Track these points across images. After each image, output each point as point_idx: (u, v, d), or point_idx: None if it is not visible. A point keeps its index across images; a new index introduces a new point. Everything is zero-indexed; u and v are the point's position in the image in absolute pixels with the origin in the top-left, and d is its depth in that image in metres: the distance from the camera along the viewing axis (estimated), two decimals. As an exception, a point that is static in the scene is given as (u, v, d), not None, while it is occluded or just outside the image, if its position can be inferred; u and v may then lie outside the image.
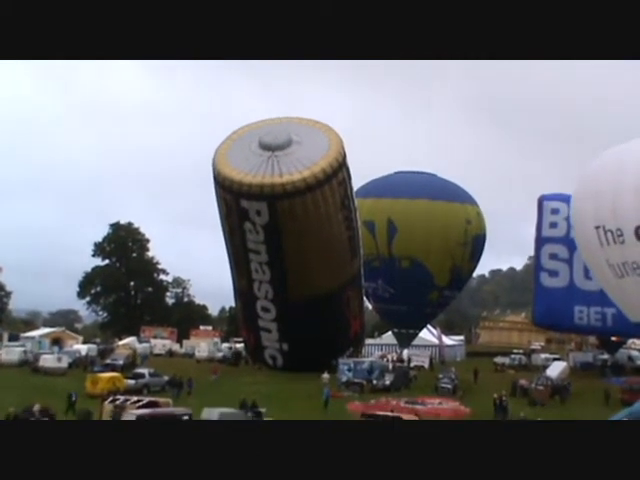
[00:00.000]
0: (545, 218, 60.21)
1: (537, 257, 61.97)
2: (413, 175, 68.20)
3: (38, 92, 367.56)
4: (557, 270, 59.07)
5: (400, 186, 65.58)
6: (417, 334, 70.06)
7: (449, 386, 48.46)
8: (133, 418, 27.71)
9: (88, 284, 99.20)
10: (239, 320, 63.03)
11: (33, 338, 77.31)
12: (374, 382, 49.55)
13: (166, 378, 47.83)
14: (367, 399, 43.57)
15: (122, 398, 35.00)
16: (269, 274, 51.99)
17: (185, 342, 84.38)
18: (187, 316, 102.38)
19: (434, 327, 79.19)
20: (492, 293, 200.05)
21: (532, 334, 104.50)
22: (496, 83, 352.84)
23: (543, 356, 71.58)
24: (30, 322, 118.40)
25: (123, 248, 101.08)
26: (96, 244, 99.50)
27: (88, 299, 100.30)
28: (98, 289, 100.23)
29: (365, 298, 64.38)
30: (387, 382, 49.83)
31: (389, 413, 33.22)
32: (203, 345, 74.83)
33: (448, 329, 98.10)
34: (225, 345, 78.35)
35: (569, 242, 53.90)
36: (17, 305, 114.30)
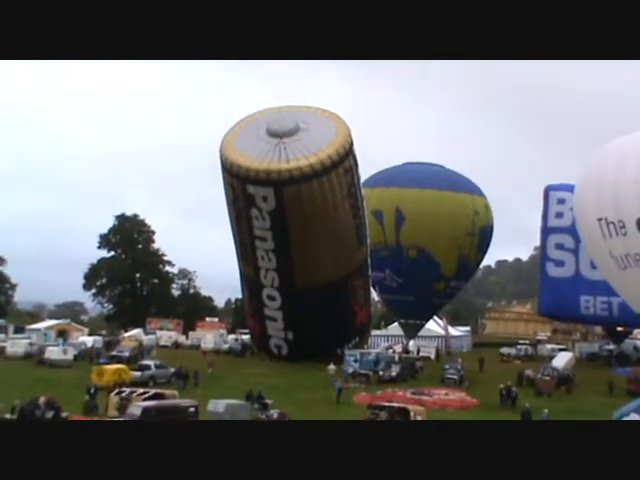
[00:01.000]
0: (551, 208, 60.15)
1: (543, 247, 61.96)
2: (421, 166, 68.26)
3: (40, 86, 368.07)
4: (563, 260, 59.02)
5: (408, 176, 65.60)
6: (424, 325, 70.01)
7: (455, 377, 48.44)
8: (139, 410, 27.69)
9: (94, 276, 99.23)
10: (245, 309, 63.08)
11: (39, 330, 77.29)
12: (380, 373, 49.52)
13: (172, 370, 47.81)
14: (373, 390, 43.55)
15: (128, 390, 35.00)
16: (275, 261, 51.92)
17: (191, 334, 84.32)
18: (193, 308, 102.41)
19: (440, 318, 79.14)
20: (498, 284, 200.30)
21: (538, 325, 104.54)
22: (501, 73, 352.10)
23: (549, 346, 71.56)
24: (35, 314, 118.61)
25: (129, 240, 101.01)
26: (102, 236, 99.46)
27: (94, 291, 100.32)
28: (104, 281, 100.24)
29: (372, 289, 64.30)
30: (393, 373, 49.80)
31: (395, 404, 33.17)
32: (209, 337, 74.82)
33: (454, 320, 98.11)
34: (231, 337, 78.39)
35: (575, 232, 53.58)
36: (22, 297, 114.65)
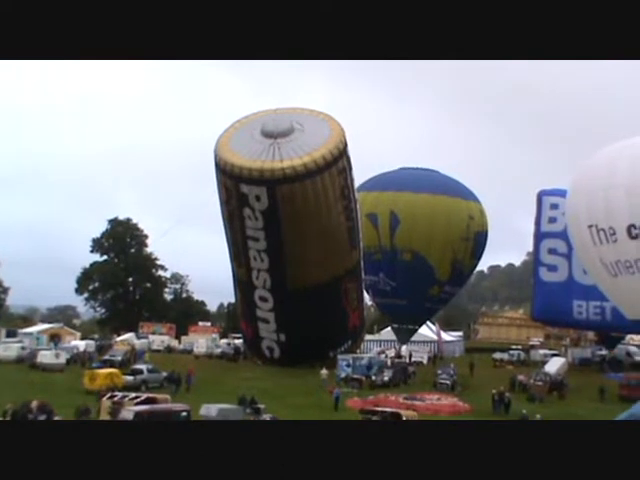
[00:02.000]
0: (544, 213, 60.28)
1: (536, 252, 62.04)
2: (417, 171, 68.36)
3: (29, 87, 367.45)
4: (556, 265, 59.12)
5: (403, 180, 65.73)
6: (416, 330, 70.01)
7: (448, 382, 48.51)
8: (131, 414, 27.62)
9: (86, 280, 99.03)
10: (238, 311, 63.09)
11: (31, 334, 77.05)
12: (373, 378, 49.58)
13: (164, 374, 47.74)
14: (366, 395, 43.55)
15: (120, 394, 34.91)
16: (267, 262, 51.92)
17: (184, 338, 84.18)
18: (185, 312, 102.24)
19: (433, 323, 79.15)
20: (491, 289, 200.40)
21: (531, 330, 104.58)
22: (492, 77, 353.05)
23: (542, 352, 71.63)
24: (28, 318, 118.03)
25: (121, 244, 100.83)
26: (94, 240, 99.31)
27: (86, 295, 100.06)
28: (96, 285, 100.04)
29: (365, 293, 64.36)
30: (386, 378, 49.81)
31: (387, 409, 33.16)
32: (202, 341, 74.66)
33: (447, 325, 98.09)
34: (224, 341, 78.24)
35: (568, 237, 53.91)
36: (15, 301, 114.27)
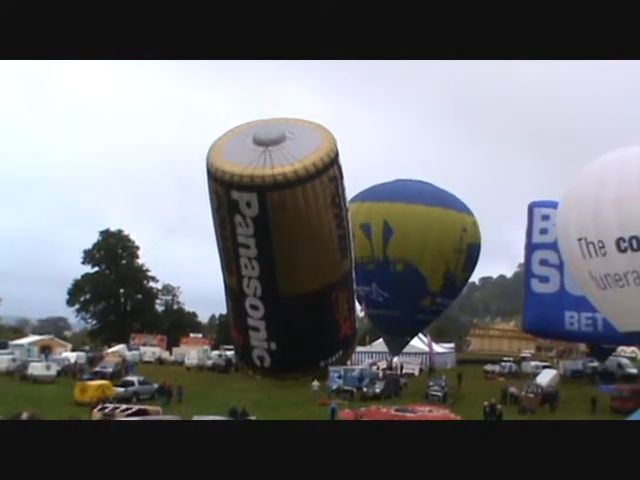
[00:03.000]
0: (535, 224, 60.40)
1: (527, 263, 62.09)
2: (411, 183, 68.53)
3: (20, 95, 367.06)
4: (548, 276, 59.18)
5: (397, 191, 65.84)
6: (408, 342, 70.00)
7: (439, 394, 48.41)
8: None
9: (77, 291, 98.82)
10: (229, 320, 63.05)
11: (22, 346, 76.78)
12: (364, 390, 49.50)
13: (155, 386, 47.62)
14: (357, 407, 43.45)
15: (111, 406, 34.82)
16: (258, 270, 51.88)
17: (175, 349, 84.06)
18: (177, 323, 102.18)
19: (424, 335, 79.18)
20: (482, 300, 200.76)
21: (522, 342, 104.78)
22: (486, 89, 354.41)
23: (533, 364, 71.69)
24: (19, 329, 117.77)
25: (113, 255, 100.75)
26: (86, 251, 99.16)
27: (77, 306, 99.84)
28: (87, 296, 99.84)
29: (357, 304, 64.39)
30: (377, 390, 49.73)
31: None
32: (193, 353, 74.59)
33: (438, 336, 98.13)
34: (215, 353, 78.12)
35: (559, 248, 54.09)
36: (5, 312, 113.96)
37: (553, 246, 53.82)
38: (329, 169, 51.14)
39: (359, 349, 75.74)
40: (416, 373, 66.42)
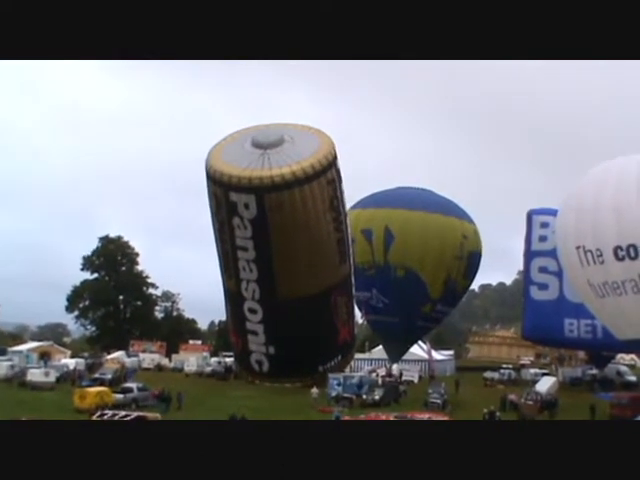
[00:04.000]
0: (534, 232, 60.41)
1: (527, 271, 62.06)
2: (413, 190, 68.74)
3: (16, 96, 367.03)
4: (547, 283, 59.15)
5: (399, 198, 66.15)
6: (408, 349, 69.96)
7: (439, 401, 48.33)
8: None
9: (77, 298, 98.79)
10: (228, 325, 63.14)
11: (21, 352, 76.71)
12: (364, 397, 49.47)
13: (155, 392, 47.59)
14: (356, 414, 43.42)
15: (110, 412, 34.80)
16: (256, 272, 52.10)
17: (174, 356, 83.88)
18: (176, 330, 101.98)
19: (424, 342, 79.11)
20: (482, 307, 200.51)
21: (521, 349, 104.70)
22: (484, 94, 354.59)
23: (532, 371, 71.61)
24: (18, 336, 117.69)
25: (112, 262, 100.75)
26: (85, 258, 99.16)
27: (77, 313, 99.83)
28: (87, 303, 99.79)
29: (358, 310, 64.50)
30: (377, 397, 49.68)
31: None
32: (192, 359, 74.47)
33: (438, 343, 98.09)
34: (214, 359, 78.02)
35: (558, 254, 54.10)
36: (4, 318, 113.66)
37: (552, 253, 53.83)
38: (327, 172, 51.49)
39: (358, 356, 75.69)
40: (415, 380, 66.33)
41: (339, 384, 51.23)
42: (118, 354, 78.24)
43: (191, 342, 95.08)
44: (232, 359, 67.11)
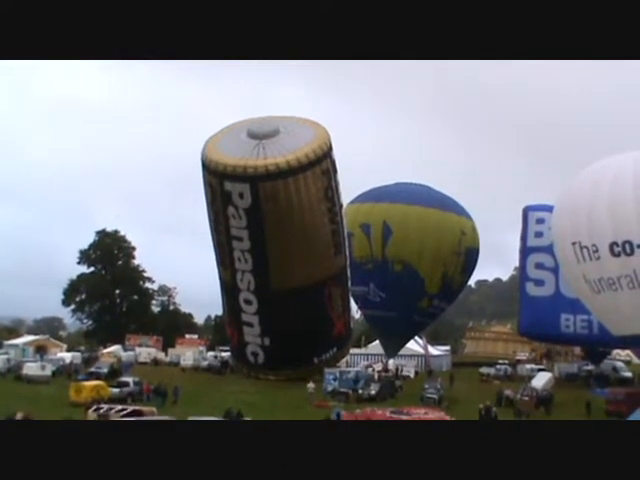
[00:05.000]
0: (530, 228, 60.39)
1: (522, 267, 62.05)
2: (412, 185, 68.76)
3: (13, 94, 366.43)
4: (543, 279, 59.17)
5: (398, 193, 66.11)
6: (404, 344, 70.00)
7: (435, 396, 48.45)
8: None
9: (73, 292, 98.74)
10: (224, 317, 63.25)
11: (17, 346, 76.82)
12: (360, 392, 49.55)
13: (151, 387, 47.61)
14: (353, 409, 43.47)
15: (106, 407, 34.85)
16: (251, 262, 52.22)
17: (170, 350, 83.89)
18: (173, 324, 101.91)
19: (420, 337, 79.16)
20: (478, 303, 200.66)
21: (517, 345, 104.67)
22: (479, 92, 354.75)
23: (528, 367, 71.69)
24: (14, 329, 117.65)
25: (109, 256, 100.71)
26: (81, 251, 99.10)
27: (73, 307, 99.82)
28: (83, 297, 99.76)
29: (355, 304, 64.56)
30: (373, 392, 49.79)
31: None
32: (188, 354, 74.52)
33: (434, 339, 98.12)
34: (210, 354, 78.05)
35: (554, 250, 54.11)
36: (0, 312, 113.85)
37: (548, 249, 53.92)
38: (322, 162, 51.71)
39: (355, 351, 75.77)
40: (412, 375, 66.42)
41: (335, 379, 51.32)
42: (114, 348, 78.24)
43: (187, 336, 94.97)
44: (228, 354, 67.09)
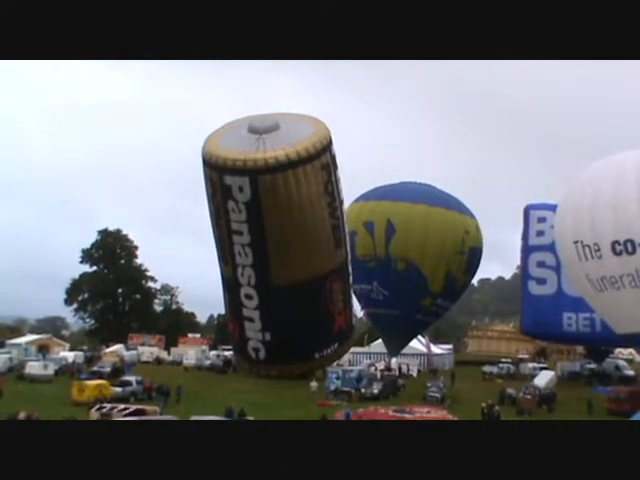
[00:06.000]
0: (532, 227, 60.35)
1: (525, 266, 62.01)
2: (416, 184, 68.79)
3: (13, 94, 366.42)
4: (545, 278, 59.12)
5: (401, 191, 66.14)
6: (407, 342, 69.96)
7: (437, 395, 48.42)
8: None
9: (75, 291, 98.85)
10: (226, 313, 63.20)
11: (19, 345, 76.82)
12: (362, 391, 49.55)
13: (153, 384, 47.64)
14: (355, 407, 43.46)
15: (109, 406, 34.85)
16: (251, 257, 52.24)
17: (173, 349, 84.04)
18: (175, 323, 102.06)
19: (423, 336, 79.16)
20: (481, 302, 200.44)
21: (520, 343, 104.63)
22: (482, 90, 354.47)
23: (530, 365, 71.71)
24: (16, 329, 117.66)
25: (111, 255, 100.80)
26: (84, 250, 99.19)
27: (75, 306, 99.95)
28: (86, 296, 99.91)
29: (358, 303, 64.60)
30: (375, 391, 49.77)
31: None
32: (191, 353, 74.59)
33: (436, 338, 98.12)
34: (213, 353, 78.11)
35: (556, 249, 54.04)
36: (3, 311, 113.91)
37: (550, 248, 53.88)
38: (321, 156, 51.78)
39: (357, 350, 75.78)
40: (414, 374, 66.40)
41: (338, 378, 51.32)
42: (117, 347, 78.37)
43: (190, 335, 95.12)
44: (231, 353, 67.09)
